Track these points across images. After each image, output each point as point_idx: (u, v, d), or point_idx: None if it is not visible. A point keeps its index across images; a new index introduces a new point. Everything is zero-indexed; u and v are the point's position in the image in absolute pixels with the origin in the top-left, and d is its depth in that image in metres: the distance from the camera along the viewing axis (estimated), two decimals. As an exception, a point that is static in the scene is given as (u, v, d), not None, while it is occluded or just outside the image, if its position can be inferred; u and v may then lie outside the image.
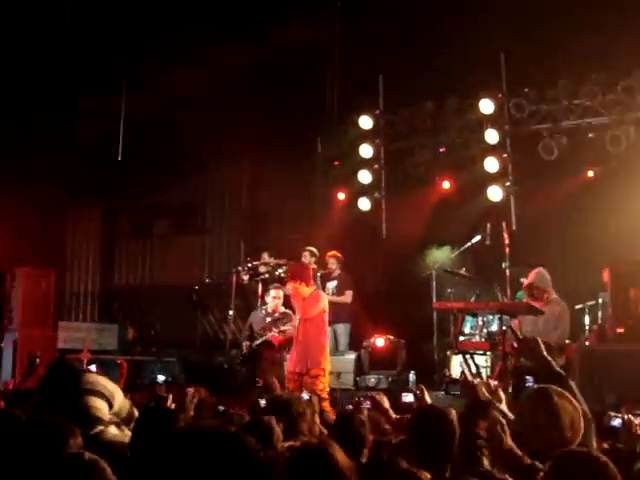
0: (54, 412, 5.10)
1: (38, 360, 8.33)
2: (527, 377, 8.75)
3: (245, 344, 11.93)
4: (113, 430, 5.45)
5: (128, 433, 5.32)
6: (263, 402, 7.12)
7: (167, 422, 4.95)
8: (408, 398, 8.32)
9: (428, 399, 6.40)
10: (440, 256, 13.37)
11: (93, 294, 18.36)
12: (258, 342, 11.73)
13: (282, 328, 11.56)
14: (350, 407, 6.93)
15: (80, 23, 13.62)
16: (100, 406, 5.45)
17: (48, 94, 14.67)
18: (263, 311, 12.16)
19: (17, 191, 14.79)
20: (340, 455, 3.75)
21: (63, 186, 16.12)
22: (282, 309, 12.04)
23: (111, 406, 5.54)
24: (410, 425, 4.96)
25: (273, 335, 11.64)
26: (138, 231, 18.38)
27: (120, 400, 5.63)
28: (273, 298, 11.98)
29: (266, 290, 12.56)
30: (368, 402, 7.05)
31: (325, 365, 10.15)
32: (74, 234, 18.29)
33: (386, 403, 6.17)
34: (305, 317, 10.22)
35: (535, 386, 4.87)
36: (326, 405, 9.42)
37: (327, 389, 10.11)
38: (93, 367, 6.79)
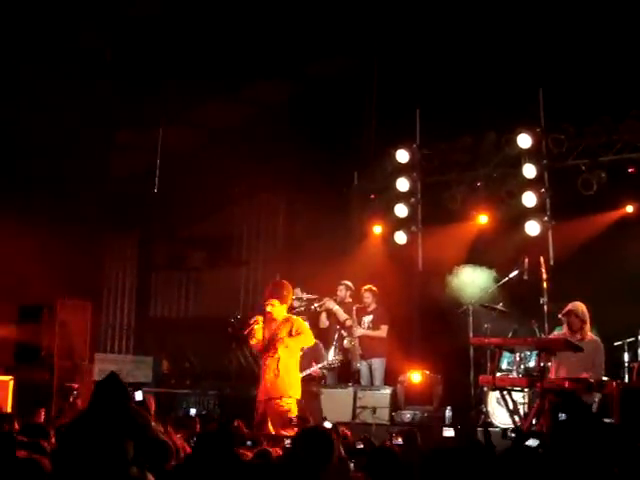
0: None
1: (75, 393, 8.38)
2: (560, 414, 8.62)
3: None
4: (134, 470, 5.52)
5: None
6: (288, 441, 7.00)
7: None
8: (449, 433, 8.26)
9: None
10: (477, 291, 13.26)
11: (129, 326, 18.39)
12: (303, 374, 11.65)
13: (320, 365, 11.53)
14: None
15: (119, 58, 13.80)
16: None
17: (87, 128, 14.83)
18: None
19: (55, 224, 14.89)
20: None
21: (100, 219, 16.23)
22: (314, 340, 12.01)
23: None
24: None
25: (315, 370, 11.58)
26: (174, 263, 18.43)
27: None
28: None
29: None
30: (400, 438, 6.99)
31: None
32: (111, 266, 18.37)
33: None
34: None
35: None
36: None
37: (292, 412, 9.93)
38: (139, 393, 6.76)
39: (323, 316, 13.66)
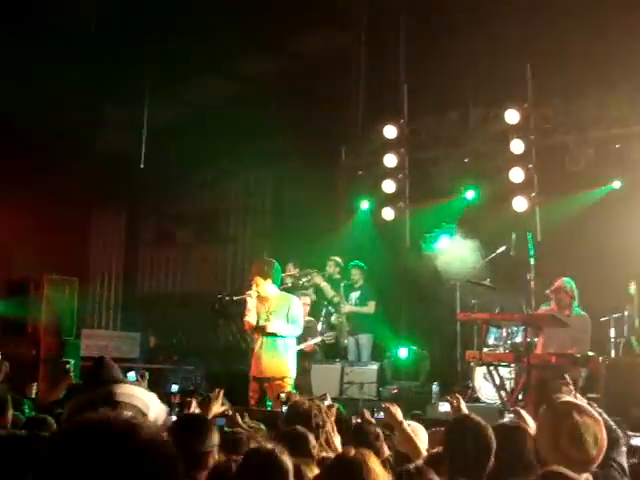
0: None
1: (69, 367, 8.36)
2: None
3: None
4: None
5: None
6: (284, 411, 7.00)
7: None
8: (444, 408, 8.26)
9: (464, 409, 6.29)
10: (465, 267, 13.27)
11: (116, 302, 18.38)
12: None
13: (314, 341, 11.53)
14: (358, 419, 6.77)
15: (104, 33, 13.68)
16: None
17: (72, 103, 14.73)
18: None
19: (41, 200, 14.85)
20: (377, 466, 3.75)
21: (87, 195, 16.19)
22: (307, 317, 12.04)
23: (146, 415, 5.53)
24: (445, 436, 4.87)
25: (308, 345, 11.53)
26: (161, 239, 18.41)
27: (156, 409, 5.60)
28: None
29: None
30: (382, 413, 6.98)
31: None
32: (98, 242, 18.34)
33: (400, 415, 6.03)
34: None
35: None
36: None
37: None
38: (132, 374, 6.73)
39: (310, 291, 13.66)
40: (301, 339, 11.44)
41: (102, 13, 13.33)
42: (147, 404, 5.58)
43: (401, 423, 5.89)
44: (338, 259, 14.03)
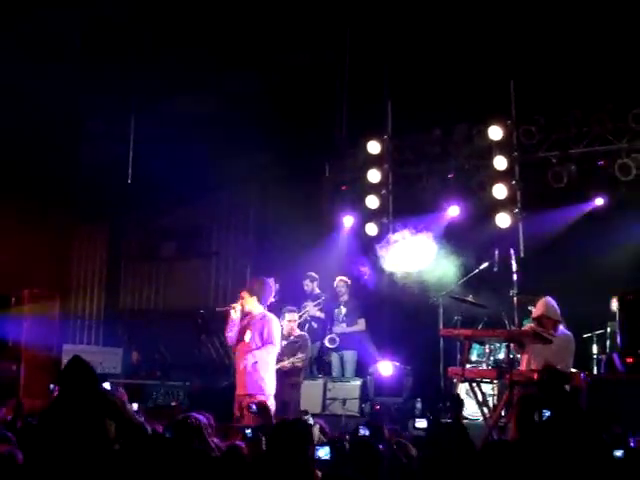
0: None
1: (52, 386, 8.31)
2: (544, 410, 8.57)
3: None
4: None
5: None
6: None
7: None
8: (421, 424, 8.24)
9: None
10: (447, 283, 13.27)
11: (98, 317, 18.27)
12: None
13: (292, 359, 11.49)
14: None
15: (89, 47, 13.67)
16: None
17: (55, 116, 14.68)
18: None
19: (23, 213, 14.77)
20: None
21: (70, 209, 16.11)
22: (298, 332, 12.08)
23: None
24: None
25: (284, 363, 11.50)
26: (144, 254, 18.32)
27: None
28: (288, 321, 11.99)
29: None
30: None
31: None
32: (80, 256, 18.23)
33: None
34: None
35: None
36: None
37: None
38: (107, 385, 6.71)
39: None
40: (286, 356, 11.44)
41: (87, 30, 13.34)
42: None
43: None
44: (313, 274, 14.10)
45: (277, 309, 12.85)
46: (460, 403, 6.37)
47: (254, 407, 7.76)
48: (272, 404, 9.80)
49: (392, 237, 13.50)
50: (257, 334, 9.89)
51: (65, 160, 15.74)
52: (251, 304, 10.07)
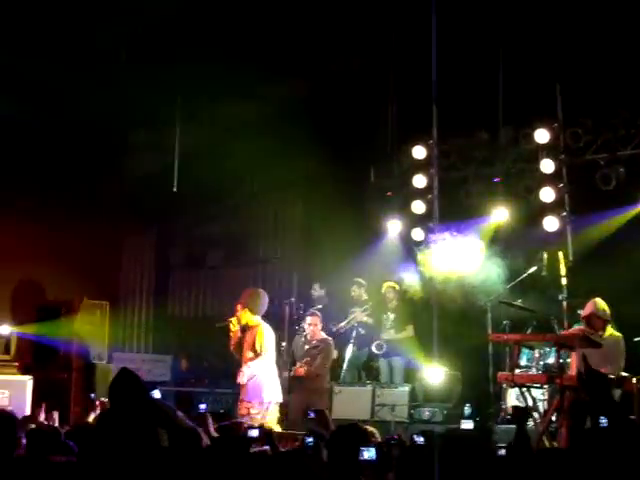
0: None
1: (93, 396, 8.40)
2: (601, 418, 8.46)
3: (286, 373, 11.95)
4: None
5: None
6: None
7: None
8: (467, 425, 8.21)
9: None
10: (493, 287, 13.20)
11: (147, 325, 18.39)
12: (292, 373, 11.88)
13: (306, 366, 11.69)
14: None
15: (134, 57, 13.81)
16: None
17: (104, 128, 14.84)
18: (303, 338, 12.20)
19: (73, 224, 14.93)
20: None
21: (118, 219, 16.25)
22: (321, 335, 12.14)
23: None
24: None
25: (298, 368, 11.66)
26: (192, 262, 18.40)
27: None
28: (309, 325, 12.08)
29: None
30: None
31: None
32: (128, 266, 18.37)
33: None
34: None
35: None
36: None
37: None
38: (157, 393, 6.75)
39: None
40: (305, 361, 11.77)
41: (132, 43, 13.49)
42: None
43: None
44: (361, 280, 14.11)
45: (325, 316, 12.94)
46: (526, 414, 6.28)
47: (312, 414, 7.81)
48: (275, 410, 10.15)
49: (433, 242, 13.51)
50: (250, 346, 10.43)
51: (112, 171, 15.90)
52: (245, 316, 10.55)
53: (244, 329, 10.56)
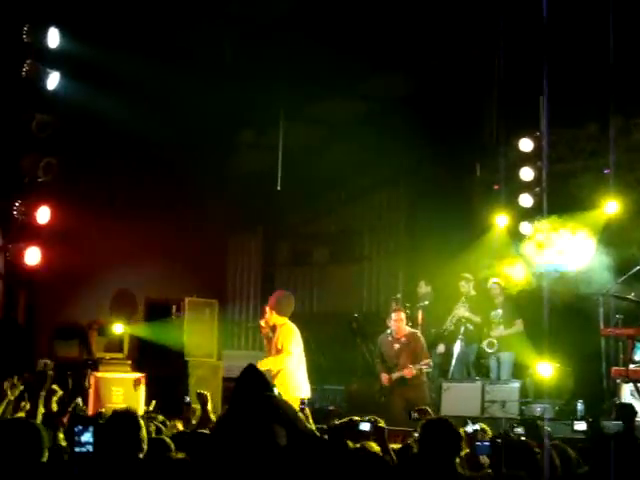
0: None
1: (188, 399, 8.52)
2: None
3: (384, 377, 11.90)
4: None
5: None
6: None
7: None
8: (580, 426, 8.09)
9: None
10: (604, 281, 12.93)
11: (255, 322, 18.53)
12: (396, 376, 11.76)
13: (418, 366, 11.62)
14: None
15: (238, 61, 13.97)
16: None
17: (209, 129, 15.05)
18: (389, 336, 12.06)
19: (182, 223, 15.18)
20: None
21: (225, 218, 16.45)
22: (407, 329, 12.03)
23: None
24: None
25: (409, 371, 11.59)
26: (297, 260, 18.54)
27: None
28: (394, 321, 11.93)
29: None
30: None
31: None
32: (235, 264, 18.60)
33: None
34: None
35: None
36: None
37: None
38: (276, 390, 6.81)
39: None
40: (404, 359, 11.67)
41: (236, 44, 13.67)
42: None
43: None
44: (468, 276, 13.99)
45: (430, 313, 12.89)
46: (633, 412, 6.15)
47: (415, 414, 7.76)
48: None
49: (542, 235, 13.30)
50: (275, 345, 10.72)
51: (217, 171, 16.10)
52: (273, 318, 10.80)
53: (273, 329, 10.84)
